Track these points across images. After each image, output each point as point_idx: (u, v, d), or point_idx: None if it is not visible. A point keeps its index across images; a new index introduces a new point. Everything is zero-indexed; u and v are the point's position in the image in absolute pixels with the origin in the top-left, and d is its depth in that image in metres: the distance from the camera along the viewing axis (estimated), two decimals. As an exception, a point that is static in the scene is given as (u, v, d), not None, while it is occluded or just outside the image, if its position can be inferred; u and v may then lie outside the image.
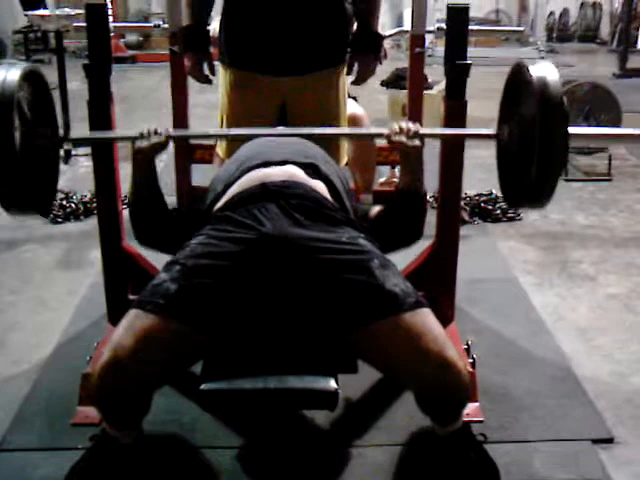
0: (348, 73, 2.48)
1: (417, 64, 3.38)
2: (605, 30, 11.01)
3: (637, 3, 9.71)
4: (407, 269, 2.25)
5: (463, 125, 2.09)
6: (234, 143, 2.23)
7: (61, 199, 3.67)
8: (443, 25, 2.28)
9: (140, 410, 1.62)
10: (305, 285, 1.59)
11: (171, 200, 2.71)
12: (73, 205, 3.63)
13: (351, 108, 3.00)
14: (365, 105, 3.69)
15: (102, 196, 2.17)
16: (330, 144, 2.26)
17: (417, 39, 3.33)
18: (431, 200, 3.15)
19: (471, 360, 2.04)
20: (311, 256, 1.60)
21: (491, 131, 1.88)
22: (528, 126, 1.68)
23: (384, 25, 6.11)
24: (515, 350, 2.40)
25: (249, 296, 1.59)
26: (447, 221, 2.22)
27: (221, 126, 2.48)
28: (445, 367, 1.54)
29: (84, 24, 2.03)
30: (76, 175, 4.25)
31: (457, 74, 2.06)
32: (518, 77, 1.76)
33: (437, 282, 2.25)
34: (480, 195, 3.69)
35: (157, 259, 2.01)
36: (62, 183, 3.90)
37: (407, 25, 3.88)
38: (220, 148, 2.52)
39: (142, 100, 6.39)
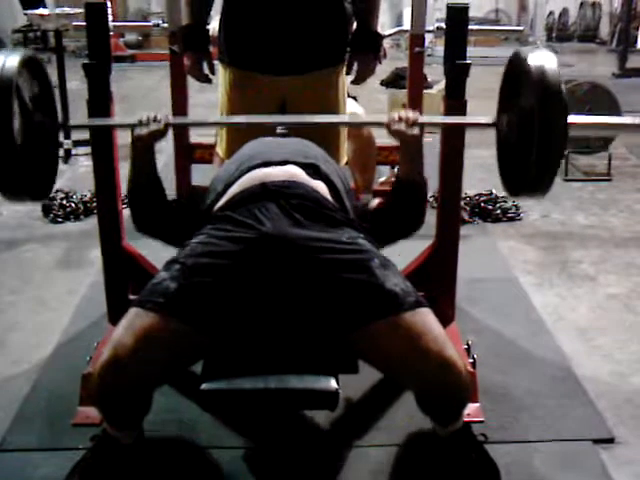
0: (348, 72, 2.47)
1: (417, 63, 3.38)
2: (605, 30, 11.01)
3: (637, 3, 9.71)
4: (407, 269, 2.25)
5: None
6: (234, 143, 2.23)
7: (61, 199, 3.68)
8: (443, 25, 2.28)
9: (140, 409, 1.62)
10: (305, 285, 1.59)
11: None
12: (73, 205, 3.63)
13: (351, 107, 3.00)
14: (365, 104, 3.70)
15: (102, 196, 2.17)
16: (330, 144, 2.26)
17: (417, 38, 3.33)
18: (431, 200, 3.15)
19: (471, 360, 2.04)
20: (311, 256, 1.60)
21: (490, 119, 1.87)
22: (527, 114, 1.66)
23: (384, 24, 6.09)
24: (515, 350, 2.40)
25: (249, 295, 1.59)
26: (447, 221, 2.22)
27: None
28: (445, 367, 1.54)
29: (84, 23, 2.03)
30: (76, 175, 4.25)
31: (457, 74, 2.06)
32: (516, 65, 1.75)
33: (437, 282, 2.24)
34: (480, 195, 3.69)
35: (157, 259, 2.01)
36: (62, 183, 3.95)
37: (407, 24, 3.87)
38: (220, 148, 2.51)
39: (142, 99, 6.38)
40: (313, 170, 1.82)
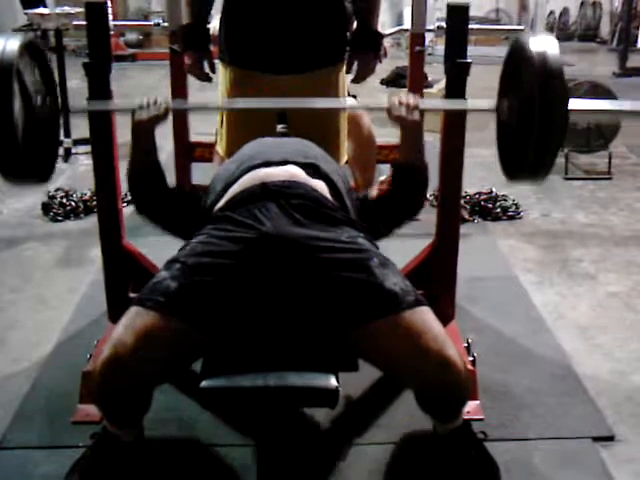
0: (348, 71, 2.47)
1: (417, 63, 3.38)
2: (605, 29, 11.01)
3: (637, 2, 9.71)
4: (407, 268, 2.25)
5: (463, 124, 2.09)
6: (234, 142, 2.24)
7: (61, 197, 3.68)
8: (443, 24, 2.28)
9: (140, 407, 1.62)
10: (305, 284, 1.59)
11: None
12: (73, 203, 3.64)
13: (351, 106, 3.00)
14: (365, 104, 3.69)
15: (102, 194, 2.17)
16: (330, 143, 2.26)
17: (417, 38, 3.33)
18: (431, 199, 3.15)
19: (471, 358, 2.04)
20: (311, 255, 1.60)
21: (491, 104, 1.86)
22: (528, 99, 1.64)
23: (384, 24, 6.10)
24: (515, 348, 2.40)
25: (249, 295, 1.59)
26: (447, 219, 2.22)
27: (221, 125, 2.48)
28: (445, 366, 1.54)
29: (84, 22, 2.03)
30: (76, 173, 4.26)
31: (457, 73, 2.06)
32: (518, 50, 1.73)
33: (437, 281, 2.24)
34: (480, 193, 3.69)
35: (157, 257, 2.01)
36: (62, 181, 3.96)
37: (407, 24, 3.88)
38: (220, 146, 2.52)
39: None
40: (313, 170, 1.83)
